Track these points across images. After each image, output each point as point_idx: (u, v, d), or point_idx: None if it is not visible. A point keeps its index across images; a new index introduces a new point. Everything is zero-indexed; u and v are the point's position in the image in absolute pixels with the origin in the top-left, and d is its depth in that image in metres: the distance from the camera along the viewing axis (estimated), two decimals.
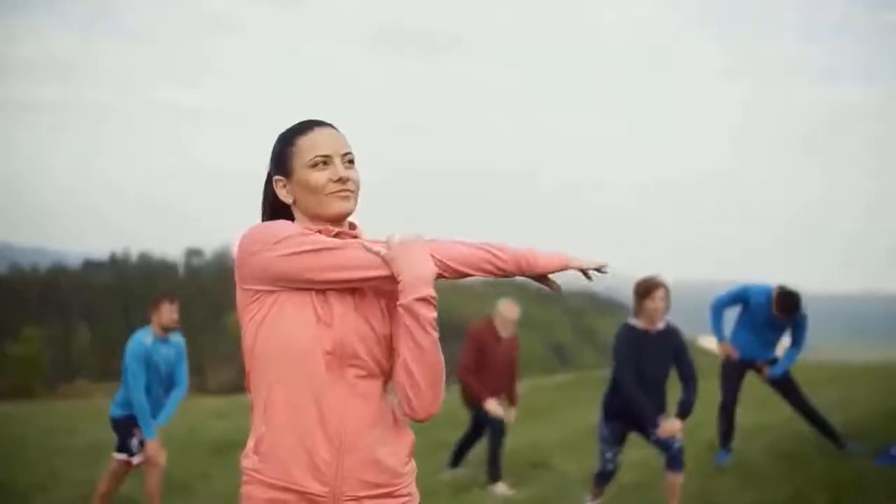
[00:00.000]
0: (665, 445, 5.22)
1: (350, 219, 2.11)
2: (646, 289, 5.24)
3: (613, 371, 5.37)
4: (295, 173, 2.06)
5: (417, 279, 1.95)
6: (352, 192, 2.06)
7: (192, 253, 70.49)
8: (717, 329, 6.81)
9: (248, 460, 2.05)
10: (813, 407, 6.73)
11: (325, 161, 2.04)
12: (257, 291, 2.00)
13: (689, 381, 5.33)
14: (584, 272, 2.10)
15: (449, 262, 2.02)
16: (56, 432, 11.69)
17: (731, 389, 6.79)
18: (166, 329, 5.92)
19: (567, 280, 2.24)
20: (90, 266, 70.40)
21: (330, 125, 2.11)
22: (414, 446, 2.12)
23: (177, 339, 6.06)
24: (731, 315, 6.85)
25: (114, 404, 6.02)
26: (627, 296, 5.67)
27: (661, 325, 5.34)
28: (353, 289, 2.01)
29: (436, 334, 1.98)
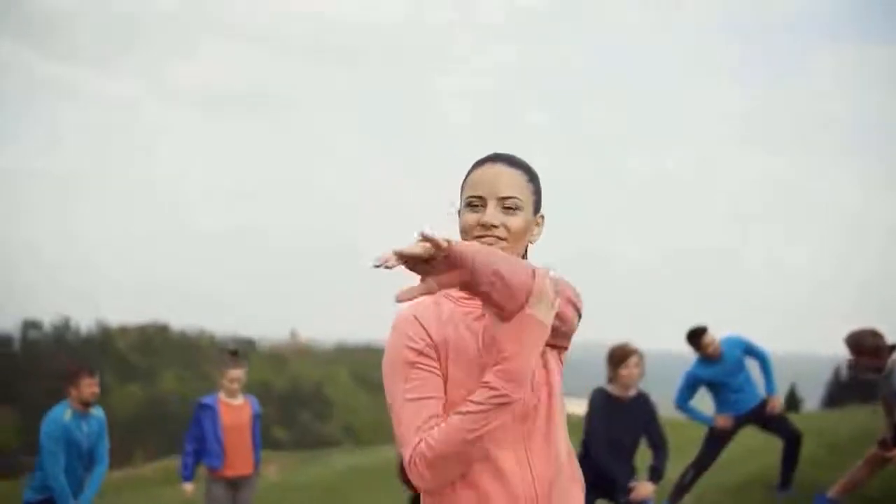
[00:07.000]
0: None
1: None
2: (620, 356, 5.16)
3: (586, 438, 5.23)
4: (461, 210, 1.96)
5: None
6: (499, 238, 1.86)
7: (29, 325, 65.96)
8: (701, 418, 6.89)
9: None
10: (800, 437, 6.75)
11: (480, 202, 1.89)
12: None
13: (659, 448, 5.28)
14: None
15: None
16: None
17: (713, 451, 6.87)
18: (86, 404, 5.46)
19: None
20: None
21: (506, 160, 1.92)
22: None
23: (97, 413, 5.58)
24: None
25: (28, 488, 5.46)
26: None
27: (633, 392, 5.27)
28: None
29: None
